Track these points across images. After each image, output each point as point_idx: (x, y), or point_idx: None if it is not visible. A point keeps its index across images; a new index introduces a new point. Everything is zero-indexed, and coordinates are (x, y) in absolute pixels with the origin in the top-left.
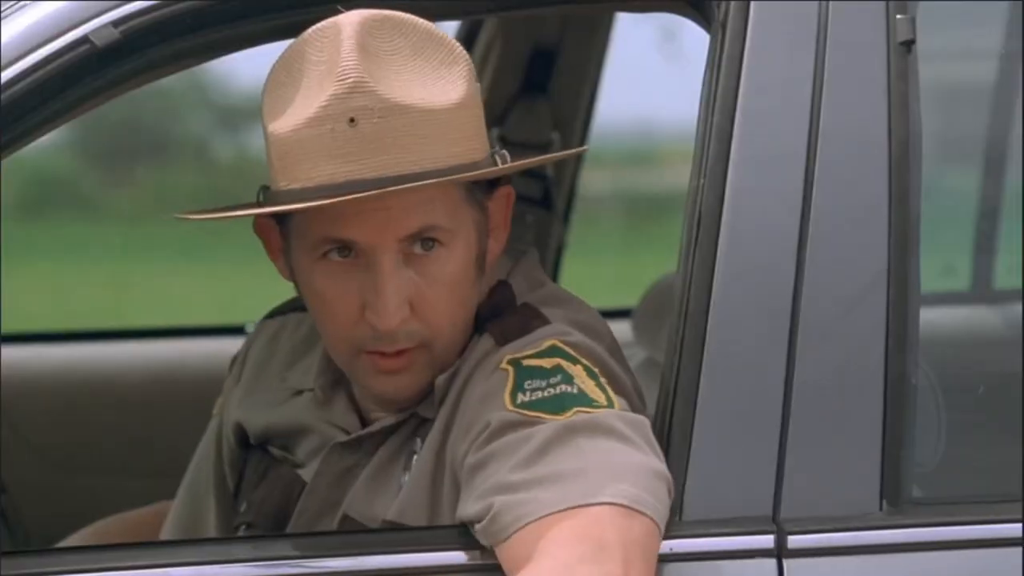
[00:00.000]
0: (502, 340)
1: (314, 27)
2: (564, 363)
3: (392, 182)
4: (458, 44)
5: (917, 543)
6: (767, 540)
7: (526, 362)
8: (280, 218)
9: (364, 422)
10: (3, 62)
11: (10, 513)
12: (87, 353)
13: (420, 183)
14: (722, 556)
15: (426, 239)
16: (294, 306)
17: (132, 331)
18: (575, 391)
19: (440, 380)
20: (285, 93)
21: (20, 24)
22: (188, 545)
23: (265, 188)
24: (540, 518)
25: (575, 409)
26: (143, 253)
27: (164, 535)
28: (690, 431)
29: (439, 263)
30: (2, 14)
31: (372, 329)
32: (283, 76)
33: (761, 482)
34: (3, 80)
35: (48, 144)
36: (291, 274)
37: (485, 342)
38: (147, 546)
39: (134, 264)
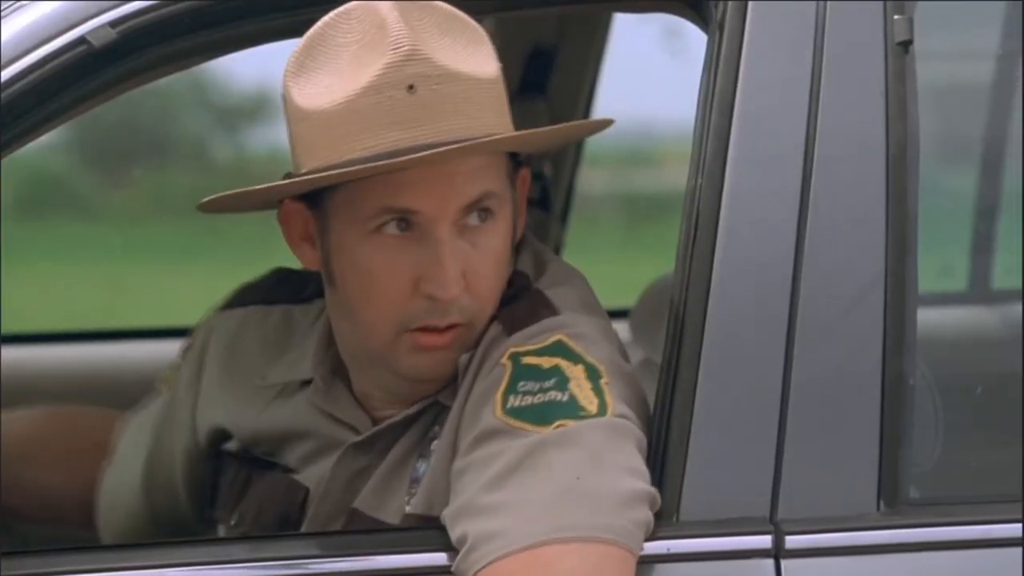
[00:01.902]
0: (509, 327)
1: (334, 13)
2: (564, 363)
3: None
4: (478, 25)
5: (914, 543)
6: (764, 540)
7: (525, 359)
8: (314, 201)
9: (371, 418)
10: (1, 62)
11: (9, 514)
12: (85, 353)
13: (496, 138)
14: (719, 556)
15: (481, 209)
16: (252, 298)
17: (130, 331)
18: (565, 399)
19: (463, 360)
20: (316, 76)
21: (17, 25)
22: (187, 546)
23: (289, 176)
24: (505, 556)
25: (558, 422)
26: (141, 253)
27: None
28: (688, 431)
29: (489, 235)
30: (0, 15)
31: (428, 302)
32: (308, 61)
33: (759, 482)
34: (1, 80)
35: (46, 144)
36: (320, 260)
37: (494, 328)
38: (146, 547)
39: (132, 264)
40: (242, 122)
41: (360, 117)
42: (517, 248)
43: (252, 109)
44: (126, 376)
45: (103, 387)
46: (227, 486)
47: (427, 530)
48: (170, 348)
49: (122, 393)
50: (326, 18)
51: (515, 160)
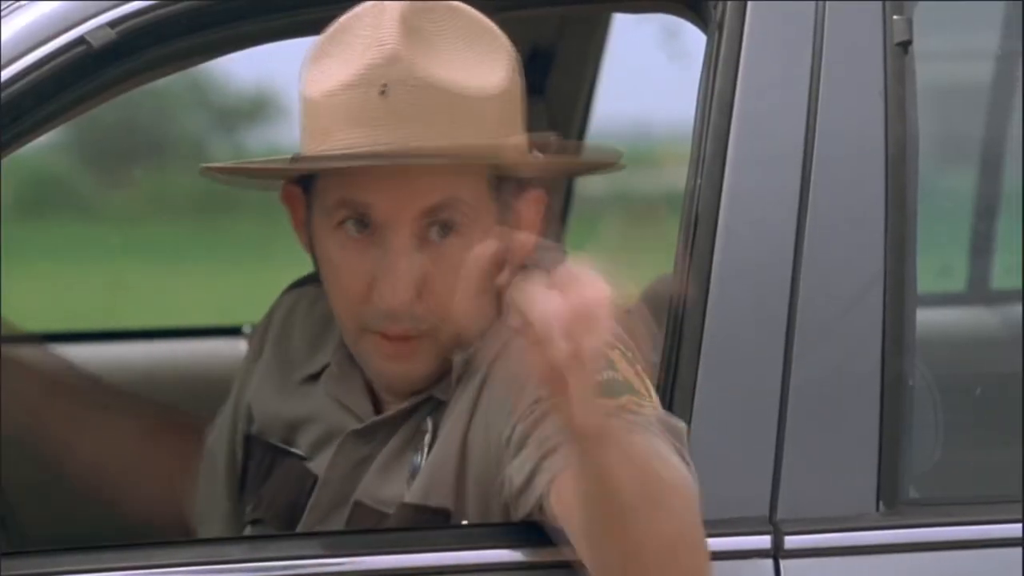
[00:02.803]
0: None
1: (363, 5)
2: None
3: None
4: (506, 39)
5: (913, 544)
6: (764, 540)
7: None
8: (306, 186)
9: (377, 406)
10: (0, 62)
11: (7, 514)
12: (83, 353)
13: (440, 150)
14: (719, 557)
15: (443, 224)
16: (313, 278)
17: (128, 332)
18: (620, 377)
19: (459, 359)
20: (325, 63)
21: (16, 25)
22: (186, 546)
23: (296, 157)
24: None
25: (627, 396)
26: (140, 254)
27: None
28: (687, 431)
29: (454, 252)
30: None
31: (378, 308)
32: (327, 47)
33: (758, 483)
34: (0, 80)
35: (45, 144)
36: (310, 246)
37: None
38: (146, 547)
39: (131, 264)
40: (240, 122)
41: (333, 111)
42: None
43: (250, 109)
44: (123, 377)
45: None
46: (254, 470)
47: (427, 530)
48: (170, 348)
49: None
50: (356, 8)
51: (515, 179)
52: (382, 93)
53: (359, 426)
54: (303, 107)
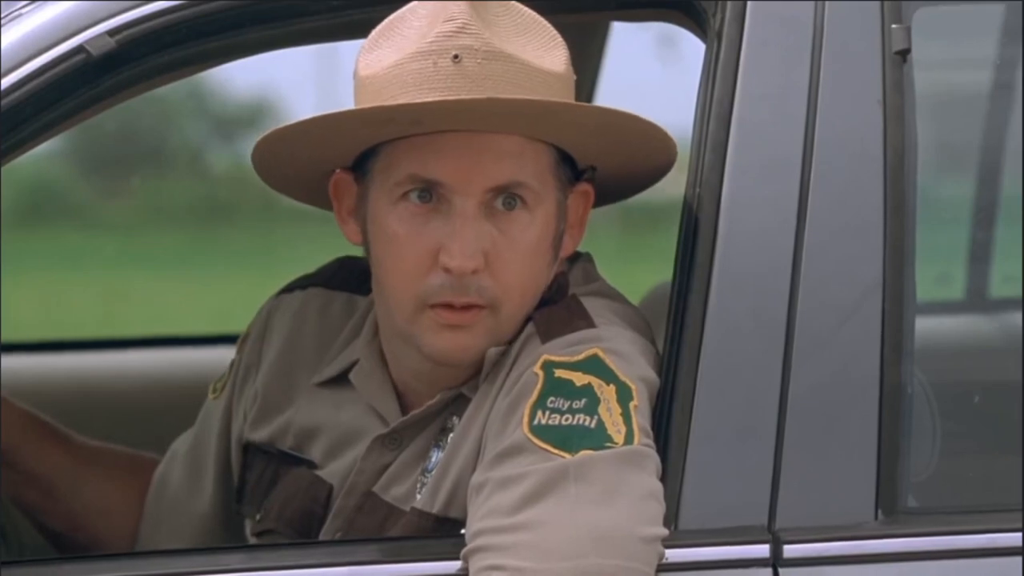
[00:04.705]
0: (544, 331)
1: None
2: (597, 383)
3: (491, 103)
4: (559, 35)
5: (912, 552)
6: (763, 549)
7: (558, 372)
8: (359, 172)
9: (403, 408)
10: (0, 71)
11: (6, 523)
12: (81, 363)
13: (527, 99)
14: (718, 566)
15: (510, 196)
16: (313, 281)
17: (126, 340)
18: (592, 425)
19: (491, 353)
20: (382, 52)
21: (15, 34)
22: (187, 555)
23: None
24: None
25: (583, 452)
26: (138, 262)
27: (155, 507)
28: (686, 440)
29: (520, 224)
30: None
31: (443, 275)
32: (382, 40)
33: (757, 491)
34: (0, 89)
35: (44, 153)
36: (360, 235)
37: (529, 327)
38: (145, 556)
39: (129, 273)
40: (240, 131)
41: (403, 81)
42: (570, 266)
43: (250, 118)
44: (121, 386)
45: (97, 397)
46: (255, 481)
47: (427, 539)
48: (167, 357)
49: (116, 403)
50: (407, 6)
51: (575, 170)
52: (455, 59)
53: (384, 431)
54: (359, 88)
